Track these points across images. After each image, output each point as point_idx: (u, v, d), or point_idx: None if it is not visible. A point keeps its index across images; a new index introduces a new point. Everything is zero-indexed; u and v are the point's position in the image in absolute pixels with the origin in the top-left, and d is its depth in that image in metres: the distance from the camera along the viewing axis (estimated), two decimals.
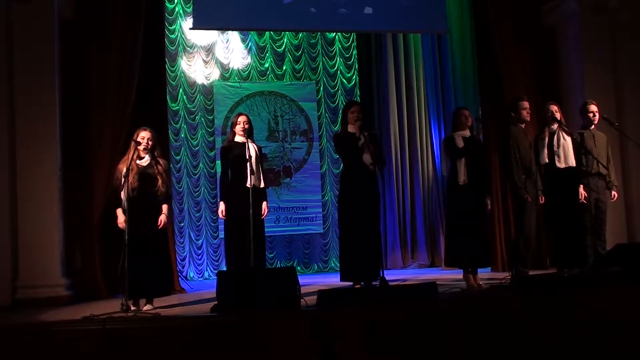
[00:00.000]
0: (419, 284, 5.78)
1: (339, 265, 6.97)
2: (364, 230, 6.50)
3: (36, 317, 5.57)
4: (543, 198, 6.66)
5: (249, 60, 9.92)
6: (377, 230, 6.69)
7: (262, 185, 6.50)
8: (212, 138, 9.70)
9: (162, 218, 5.98)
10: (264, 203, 6.50)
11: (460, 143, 6.50)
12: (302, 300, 5.15)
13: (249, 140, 6.42)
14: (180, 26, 9.58)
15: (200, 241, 9.50)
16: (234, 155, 6.41)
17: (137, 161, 5.87)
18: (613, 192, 6.82)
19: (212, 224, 9.55)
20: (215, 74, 9.77)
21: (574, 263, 6.56)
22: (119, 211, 5.77)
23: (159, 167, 5.97)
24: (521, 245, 6.50)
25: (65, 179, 7.01)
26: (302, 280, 5.46)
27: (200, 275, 9.42)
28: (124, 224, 5.61)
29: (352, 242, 6.54)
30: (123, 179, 5.67)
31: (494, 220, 8.17)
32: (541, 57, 8.43)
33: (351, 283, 6.55)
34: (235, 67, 9.86)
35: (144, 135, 5.90)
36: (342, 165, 6.76)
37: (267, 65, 10.06)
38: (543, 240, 7.88)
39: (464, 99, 9.31)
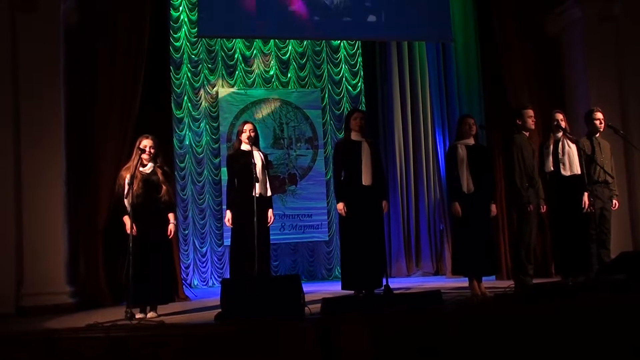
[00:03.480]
0: (424, 292, 5.79)
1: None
2: (365, 238, 6.50)
3: (41, 324, 5.58)
4: (545, 207, 6.65)
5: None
6: (380, 238, 6.69)
7: (269, 193, 6.51)
8: (216, 145, 9.71)
9: (171, 227, 6.02)
10: (270, 211, 6.51)
11: (463, 154, 6.50)
12: (306, 308, 5.16)
13: (255, 149, 6.43)
14: (185, 34, 9.61)
15: (204, 249, 9.48)
16: (239, 163, 6.42)
17: (140, 169, 5.88)
18: (614, 201, 6.80)
19: (216, 231, 9.54)
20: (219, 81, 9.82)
21: (579, 271, 6.54)
22: (126, 218, 5.77)
23: (163, 175, 5.99)
24: (522, 254, 6.47)
25: (70, 186, 7.03)
26: (306, 288, 5.47)
27: (205, 283, 9.40)
28: (134, 231, 5.62)
29: (352, 251, 6.55)
30: (127, 186, 5.69)
31: (498, 228, 8.15)
32: (545, 65, 8.44)
33: (353, 292, 6.56)
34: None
35: (146, 143, 5.92)
36: (343, 173, 6.75)
37: (271, 72, 10.08)
38: (548, 248, 7.87)
39: (469, 106, 9.28)
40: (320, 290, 7.70)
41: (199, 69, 9.73)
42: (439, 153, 9.72)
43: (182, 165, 9.47)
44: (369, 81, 10.28)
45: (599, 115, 6.85)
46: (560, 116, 6.74)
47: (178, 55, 9.55)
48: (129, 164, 5.93)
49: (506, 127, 7.41)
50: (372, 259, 6.50)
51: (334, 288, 7.34)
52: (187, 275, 9.20)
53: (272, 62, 10.06)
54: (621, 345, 4.66)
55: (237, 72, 9.91)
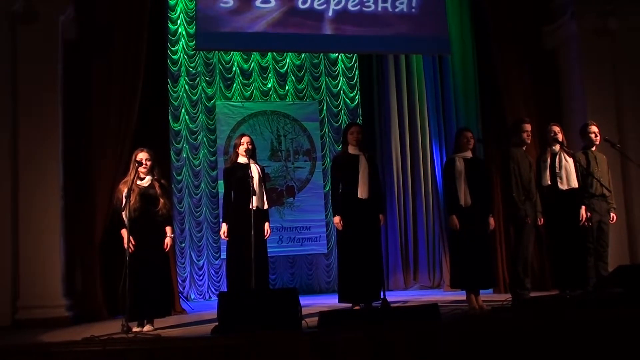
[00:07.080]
0: (421, 305, 5.77)
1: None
2: (362, 251, 6.50)
3: (36, 338, 5.57)
4: (542, 219, 6.64)
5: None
6: (377, 251, 6.69)
7: (265, 206, 6.51)
8: (214, 158, 9.69)
9: (168, 241, 6.02)
10: (267, 224, 6.51)
11: (461, 168, 6.50)
12: (303, 321, 5.15)
13: (252, 161, 6.43)
14: (183, 47, 9.63)
15: (201, 262, 9.45)
16: (236, 176, 6.43)
17: (138, 182, 5.88)
18: (612, 214, 6.80)
19: (213, 244, 9.52)
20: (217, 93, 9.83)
21: (576, 284, 6.53)
22: (124, 232, 5.77)
23: (161, 188, 5.98)
24: (520, 268, 6.46)
25: (66, 200, 7.02)
26: (304, 301, 5.46)
27: (201, 296, 9.36)
28: (131, 245, 5.62)
29: (350, 264, 6.55)
30: (124, 200, 5.68)
31: (496, 242, 8.14)
32: (542, 79, 8.47)
33: (350, 305, 6.55)
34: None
35: (142, 156, 5.92)
36: (340, 185, 6.76)
37: (269, 85, 10.09)
38: (545, 261, 7.86)
39: (466, 119, 9.29)
40: (318, 303, 7.69)
41: (196, 82, 9.73)
42: (436, 166, 9.71)
43: (179, 177, 9.45)
44: (366, 94, 10.27)
45: (594, 128, 6.87)
46: (556, 128, 6.76)
47: (176, 68, 9.55)
48: (127, 177, 5.93)
49: (503, 140, 7.43)
50: (370, 271, 6.50)
51: (332, 301, 7.33)
52: (184, 288, 9.15)
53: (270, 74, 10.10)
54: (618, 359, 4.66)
55: (234, 85, 9.92)
